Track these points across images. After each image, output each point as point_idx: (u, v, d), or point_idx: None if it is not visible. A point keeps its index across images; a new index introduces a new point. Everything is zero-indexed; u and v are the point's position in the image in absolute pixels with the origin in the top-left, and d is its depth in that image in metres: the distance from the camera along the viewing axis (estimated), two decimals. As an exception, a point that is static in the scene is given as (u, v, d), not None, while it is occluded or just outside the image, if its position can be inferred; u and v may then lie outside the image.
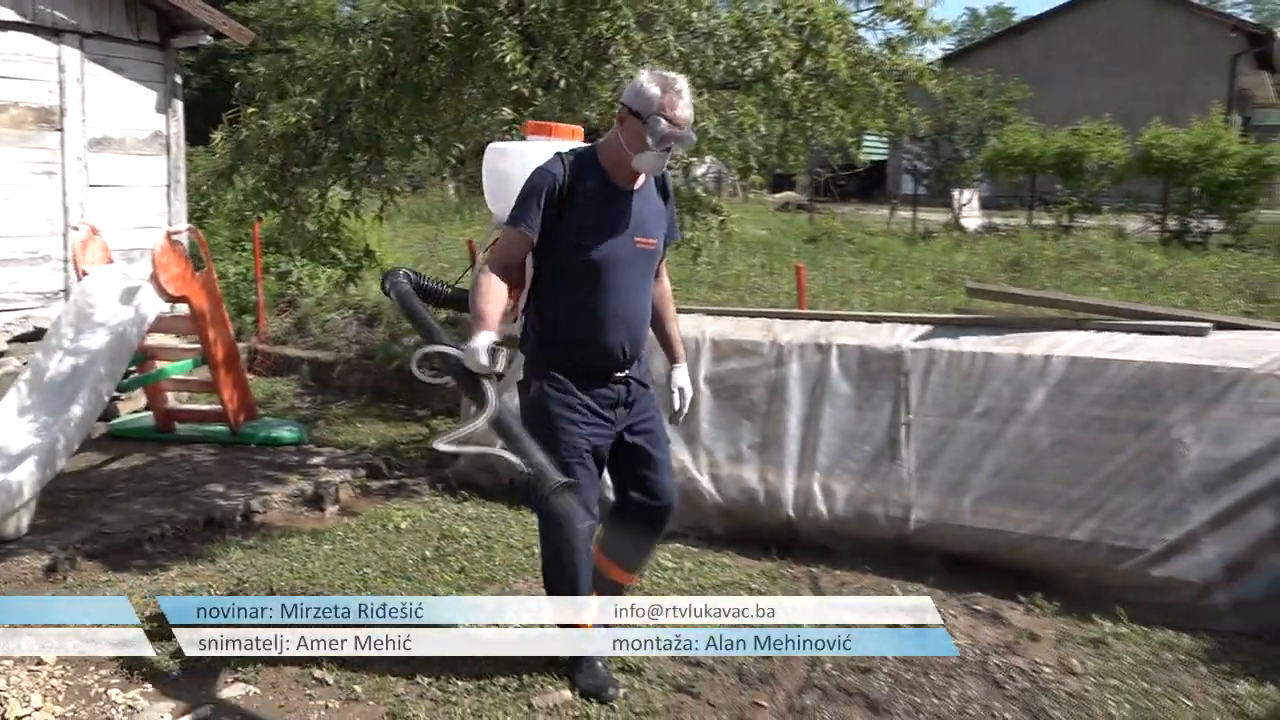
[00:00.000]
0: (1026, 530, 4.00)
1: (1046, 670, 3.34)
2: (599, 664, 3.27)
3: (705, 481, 4.68)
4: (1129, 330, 4.20)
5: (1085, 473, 3.95)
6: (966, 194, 20.69)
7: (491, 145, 3.40)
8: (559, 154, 3.05)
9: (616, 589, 3.37)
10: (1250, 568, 3.64)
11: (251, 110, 4.55)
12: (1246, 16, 45.91)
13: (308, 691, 3.27)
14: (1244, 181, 15.74)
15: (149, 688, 3.31)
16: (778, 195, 25.35)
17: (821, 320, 4.89)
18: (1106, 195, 17.99)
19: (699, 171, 6.75)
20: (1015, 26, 33.15)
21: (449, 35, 3.77)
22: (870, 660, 3.41)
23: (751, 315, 5.14)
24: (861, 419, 4.48)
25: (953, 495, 4.18)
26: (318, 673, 3.37)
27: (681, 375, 3.33)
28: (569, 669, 3.28)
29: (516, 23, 3.94)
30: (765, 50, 4.93)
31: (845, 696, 3.21)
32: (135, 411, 6.74)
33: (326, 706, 3.19)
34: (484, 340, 2.81)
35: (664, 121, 2.87)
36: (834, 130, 5.74)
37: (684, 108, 2.92)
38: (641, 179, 3.08)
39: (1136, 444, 3.89)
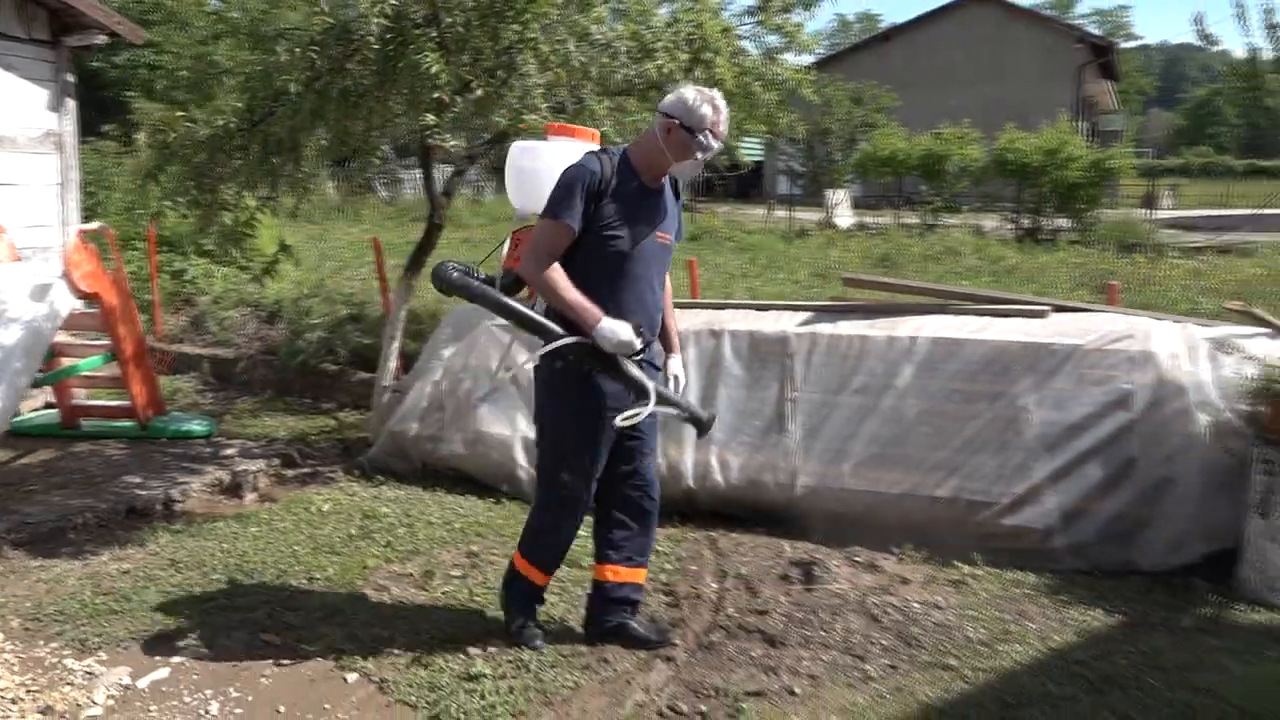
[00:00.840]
0: (898, 490, 4.54)
1: (916, 606, 3.86)
2: (531, 621, 3.60)
3: (611, 458, 5.08)
4: (981, 314, 4.79)
5: (947, 438, 4.51)
6: (839, 194, 21.69)
7: (516, 144, 3.65)
8: (596, 152, 3.27)
9: (633, 589, 3.55)
10: (1083, 515, 4.24)
11: (180, 114, 4.72)
12: (1091, 29, 48.84)
13: (257, 652, 3.53)
14: (1088, 183, 17.06)
15: (103, 655, 3.51)
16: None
17: (714, 309, 5.35)
18: (966, 196, 19.20)
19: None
20: (882, 34, 34.64)
21: (375, 46, 4.06)
22: (767, 603, 3.89)
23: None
24: (752, 397, 4.95)
25: (834, 462, 4.69)
26: (265, 636, 3.63)
27: (677, 364, 3.58)
28: (506, 621, 3.60)
29: (434, 34, 4.25)
30: (660, 61, 5.33)
31: (745, 634, 3.65)
32: (36, 409, 6.74)
33: (277, 663, 3.45)
34: (618, 324, 3.12)
35: (712, 137, 3.18)
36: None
37: (724, 124, 3.22)
38: (664, 180, 3.34)
39: (989, 412, 4.46)
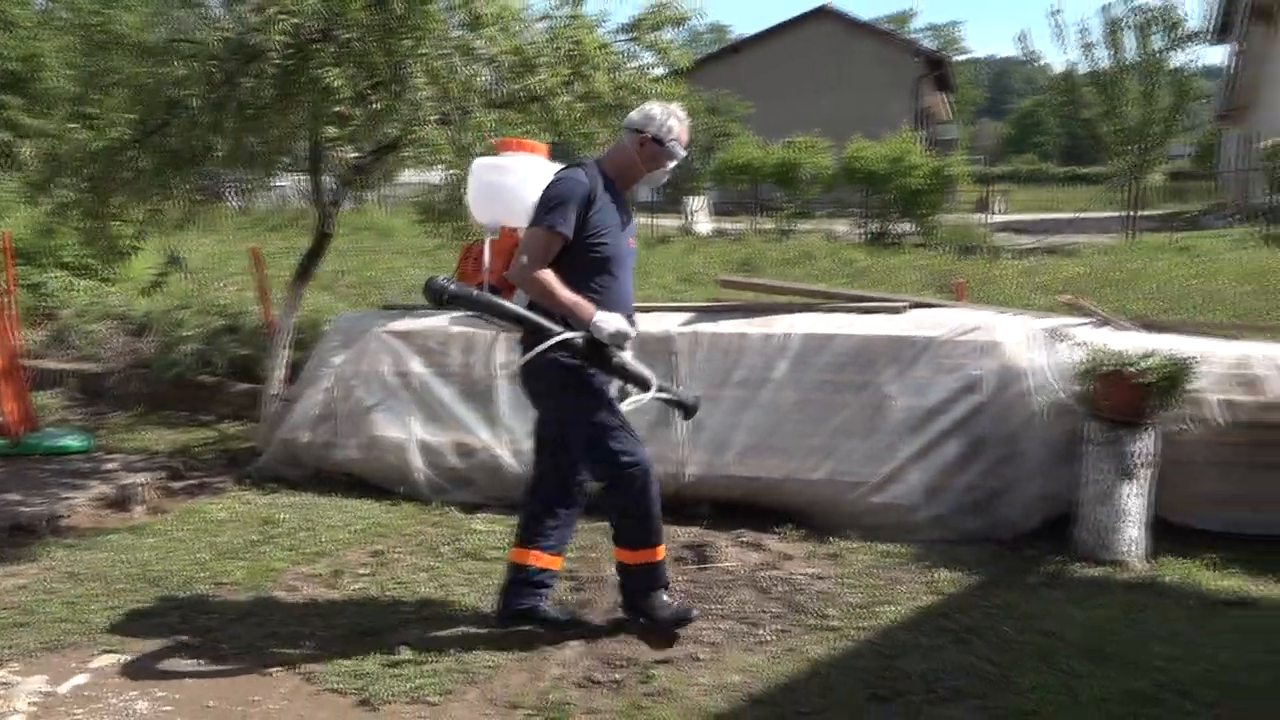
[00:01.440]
0: (778, 475, 4.90)
1: (800, 578, 4.22)
2: (668, 597, 3.77)
3: (508, 457, 5.28)
4: (847, 310, 5.22)
5: (820, 425, 4.90)
6: (697, 201, 22.31)
7: (479, 160, 3.83)
8: (581, 166, 3.48)
9: (550, 575, 3.76)
10: (943, 490, 4.70)
11: (71, 125, 4.66)
12: (926, 43, 51.48)
13: (176, 654, 3.60)
14: (929, 189, 18.14)
15: (16, 666, 3.52)
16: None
17: (600, 311, 5.62)
18: (819, 202, 20.09)
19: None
20: (732, 45, 35.69)
21: (276, 60, 4.15)
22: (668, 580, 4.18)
23: (538, 309, 5.79)
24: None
25: (718, 451, 5.02)
26: (181, 638, 3.71)
27: (628, 357, 3.78)
28: (644, 609, 3.71)
29: (332, 49, 4.38)
30: (542, 75, 5.57)
31: (649, 610, 3.94)
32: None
33: (198, 663, 3.54)
34: (612, 316, 3.36)
35: (681, 149, 3.51)
36: (598, 146, 6.50)
37: (687, 134, 3.54)
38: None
39: (857, 400, 4.88)
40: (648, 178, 3.60)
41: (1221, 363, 4.54)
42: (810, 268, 13.25)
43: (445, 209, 6.39)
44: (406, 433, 5.47)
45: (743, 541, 4.66)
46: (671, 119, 3.51)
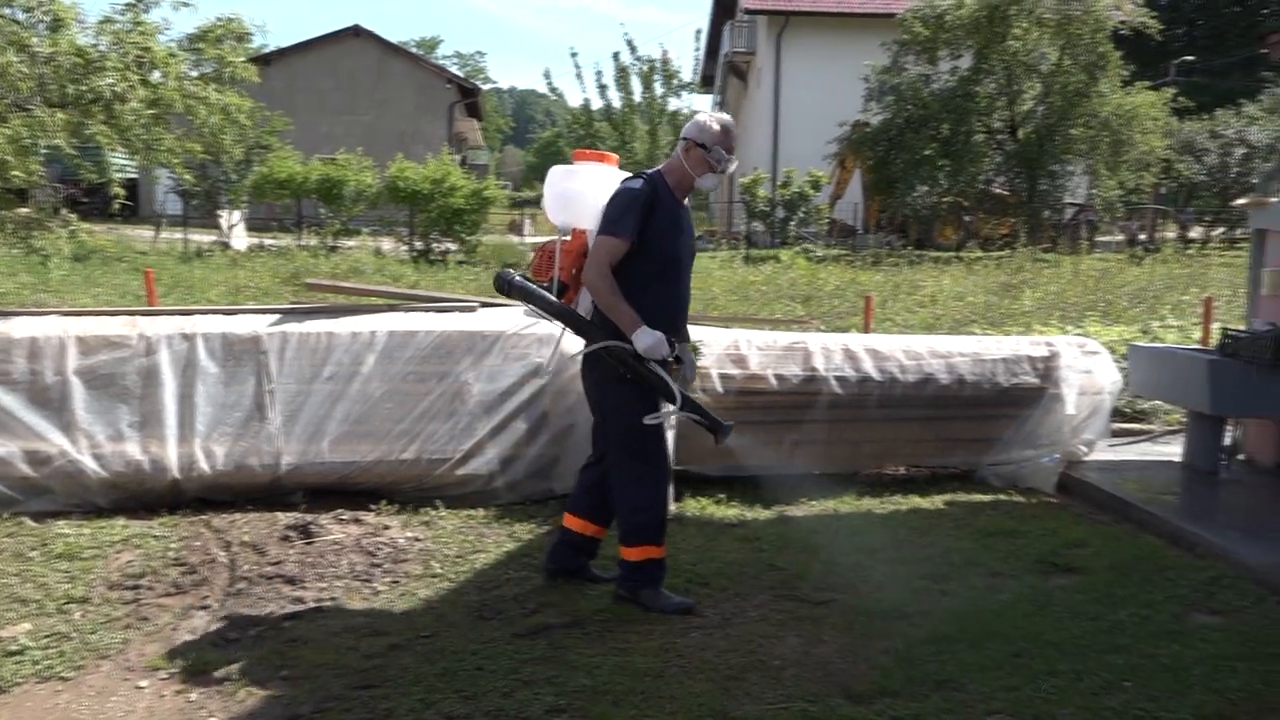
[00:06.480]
0: (370, 458, 5.41)
1: (401, 541, 4.78)
2: (669, 594, 4.06)
3: (88, 461, 5.19)
4: (426, 310, 5.87)
5: (407, 411, 5.49)
6: (234, 215, 21.53)
7: (556, 168, 3.97)
8: (642, 176, 3.75)
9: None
10: (515, 460, 5.52)
11: None
12: (454, 69, 53.43)
13: None
14: (470, 210, 19.30)
15: None
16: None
17: (182, 314, 5.73)
18: (363, 219, 20.41)
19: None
20: (262, 57, 34.48)
21: None
22: (278, 558, 4.54)
23: (113, 314, 5.74)
24: (230, 391, 5.46)
25: (313, 441, 5.40)
26: None
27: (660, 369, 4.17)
28: (640, 599, 4.02)
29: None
30: (110, 80, 5.59)
31: (267, 580, 4.28)
32: None
33: None
34: (654, 333, 3.68)
35: (724, 151, 3.76)
36: (164, 153, 6.55)
37: (733, 140, 3.80)
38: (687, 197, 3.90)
39: (439, 387, 5.55)
40: (699, 182, 3.91)
41: (719, 345, 5.86)
42: (362, 280, 13.62)
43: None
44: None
45: (343, 519, 5.11)
46: (714, 124, 3.86)
